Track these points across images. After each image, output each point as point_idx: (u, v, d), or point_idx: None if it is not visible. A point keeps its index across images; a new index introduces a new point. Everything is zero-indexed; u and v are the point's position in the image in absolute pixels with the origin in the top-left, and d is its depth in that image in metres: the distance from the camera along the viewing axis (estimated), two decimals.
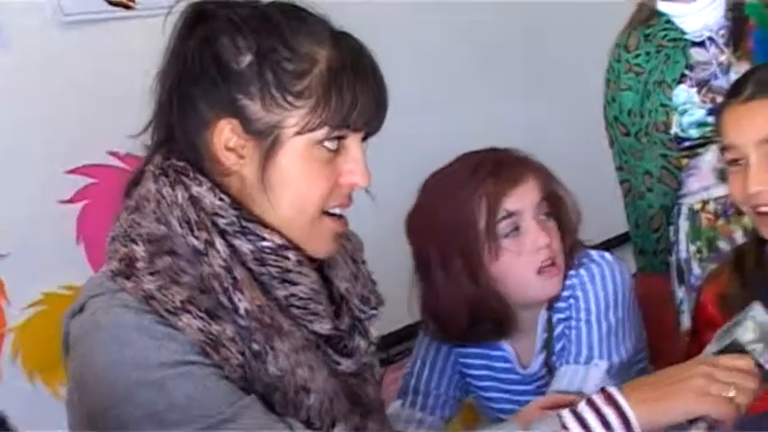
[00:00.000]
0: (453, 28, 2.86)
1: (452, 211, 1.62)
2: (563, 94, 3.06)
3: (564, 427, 1.14)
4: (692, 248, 2.06)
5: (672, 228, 2.11)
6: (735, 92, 1.56)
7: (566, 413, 1.16)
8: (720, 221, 2.03)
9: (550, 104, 3.06)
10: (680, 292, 2.07)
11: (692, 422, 1.14)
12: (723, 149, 1.55)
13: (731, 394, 1.13)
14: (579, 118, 2.53)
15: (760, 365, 1.16)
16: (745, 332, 1.17)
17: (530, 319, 1.69)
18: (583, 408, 1.16)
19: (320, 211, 1.14)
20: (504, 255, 1.61)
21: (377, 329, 1.26)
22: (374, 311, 1.27)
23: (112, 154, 2.09)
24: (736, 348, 1.17)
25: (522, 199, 1.61)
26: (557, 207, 1.67)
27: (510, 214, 1.60)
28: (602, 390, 1.17)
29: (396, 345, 2.35)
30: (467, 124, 2.69)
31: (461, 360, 1.78)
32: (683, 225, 2.09)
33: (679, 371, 1.18)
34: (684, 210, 2.09)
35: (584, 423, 1.14)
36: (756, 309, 1.18)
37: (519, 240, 1.61)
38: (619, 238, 2.72)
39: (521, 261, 1.61)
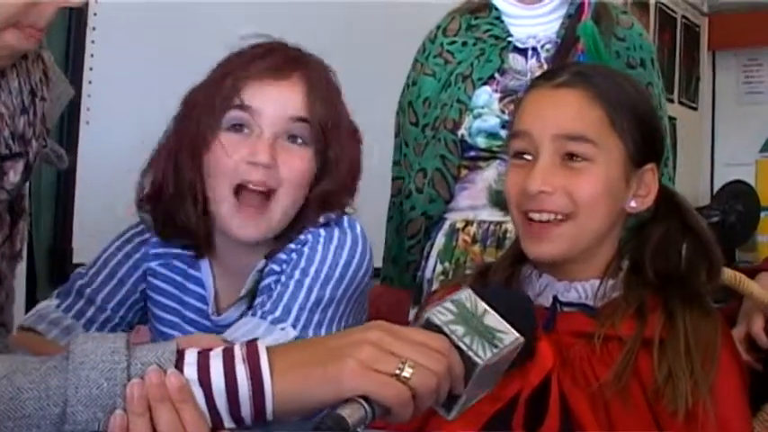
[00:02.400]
0: None
1: (208, 80, 1.37)
2: None
3: (177, 366, 0.87)
4: (439, 268, 1.83)
5: (429, 242, 1.89)
6: (547, 76, 1.36)
7: (191, 352, 0.89)
8: (476, 247, 1.80)
9: None
10: (412, 313, 1.82)
11: (346, 402, 0.87)
12: (512, 137, 1.33)
13: (406, 373, 0.87)
14: None
15: (462, 351, 0.92)
16: (442, 312, 0.94)
17: (245, 262, 1.40)
18: (216, 354, 0.89)
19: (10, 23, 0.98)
20: (215, 149, 1.32)
21: (18, 177, 1.03)
22: (25, 156, 1.03)
23: None
24: (430, 330, 0.94)
25: (269, 98, 1.32)
26: (327, 143, 1.36)
27: (242, 107, 1.32)
28: (251, 341, 0.91)
29: None
30: None
31: (150, 279, 1.47)
32: (439, 241, 1.86)
33: (349, 333, 0.93)
34: (446, 225, 1.87)
35: (205, 371, 0.88)
36: (464, 292, 0.98)
37: (241, 143, 1.32)
38: None
39: (228, 165, 1.31)
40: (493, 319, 0.96)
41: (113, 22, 2.30)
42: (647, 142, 1.32)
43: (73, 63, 2.24)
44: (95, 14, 2.28)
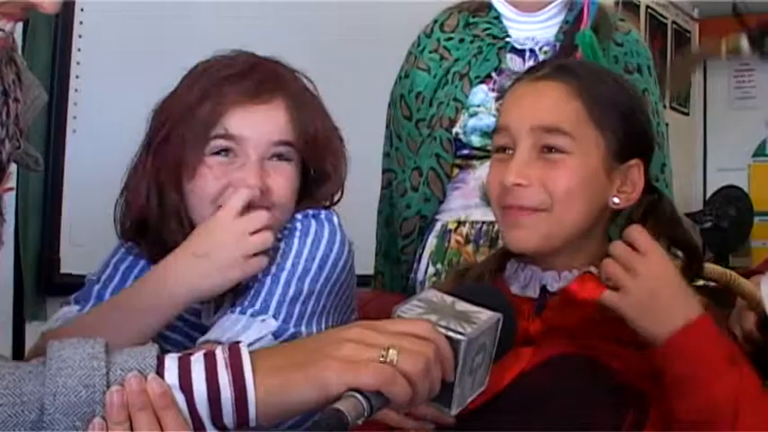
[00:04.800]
0: None
1: (185, 99, 1.33)
2: None
3: (158, 372, 0.85)
4: (431, 270, 1.80)
5: (421, 244, 1.85)
6: (530, 70, 1.36)
7: (171, 357, 0.88)
8: (469, 247, 1.76)
9: None
10: None
11: (341, 398, 0.86)
12: (494, 133, 1.32)
13: (391, 358, 0.87)
14: None
15: (448, 337, 0.92)
16: (411, 309, 0.96)
17: None
18: (197, 359, 0.87)
19: None
20: (202, 174, 1.31)
21: None
22: None
23: None
24: None
25: (252, 125, 1.31)
26: (312, 156, 1.38)
27: (227, 136, 1.30)
28: (233, 345, 0.90)
29: None
30: None
31: None
32: (431, 243, 1.82)
33: (329, 334, 0.94)
34: (437, 227, 1.83)
35: (186, 376, 0.86)
36: (429, 291, 1.01)
37: (228, 168, 1.32)
38: None
39: (217, 189, 1.31)
40: (464, 305, 0.96)
41: (99, 30, 2.28)
42: (630, 137, 1.29)
43: (59, 70, 2.22)
44: (81, 22, 2.26)
